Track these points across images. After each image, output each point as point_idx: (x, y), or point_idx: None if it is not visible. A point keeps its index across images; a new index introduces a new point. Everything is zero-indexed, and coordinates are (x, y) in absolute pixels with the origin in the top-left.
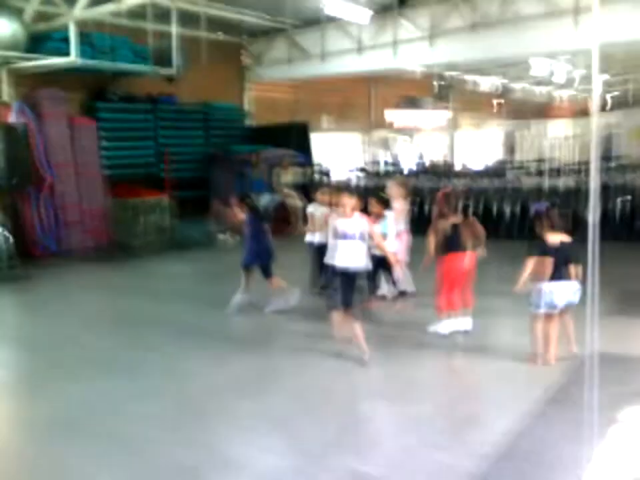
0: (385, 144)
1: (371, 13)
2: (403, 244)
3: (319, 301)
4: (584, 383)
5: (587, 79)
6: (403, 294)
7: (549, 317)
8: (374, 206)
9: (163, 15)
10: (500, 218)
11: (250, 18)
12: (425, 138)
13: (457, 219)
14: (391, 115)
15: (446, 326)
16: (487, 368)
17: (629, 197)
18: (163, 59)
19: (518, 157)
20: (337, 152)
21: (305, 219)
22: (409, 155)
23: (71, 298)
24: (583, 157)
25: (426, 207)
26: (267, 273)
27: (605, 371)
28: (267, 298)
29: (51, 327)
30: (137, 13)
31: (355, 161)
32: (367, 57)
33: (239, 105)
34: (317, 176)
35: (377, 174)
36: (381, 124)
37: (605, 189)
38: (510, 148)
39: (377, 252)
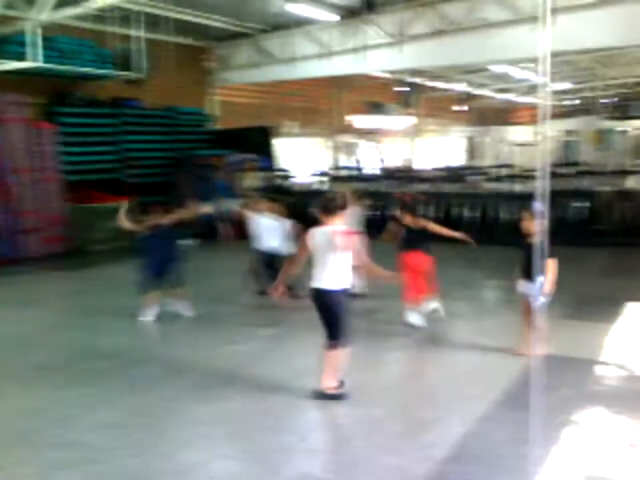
0: (349, 149)
1: (337, 17)
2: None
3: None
4: (539, 385)
5: (548, 85)
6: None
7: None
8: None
9: (127, 18)
10: (459, 222)
11: (216, 22)
12: (389, 143)
13: (414, 221)
14: (354, 119)
15: (416, 316)
16: (446, 366)
17: (586, 203)
18: (128, 62)
19: (478, 162)
20: (301, 156)
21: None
22: (372, 159)
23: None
24: (539, 162)
25: (385, 211)
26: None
27: (559, 373)
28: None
29: None
30: (102, 17)
31: (319, 165)
32: (334, 61)
33: (204, 109)
34: (279, 180)
35: (339, 178)
36: (345, 129)
37: (561, 194)
38: (471, 154)
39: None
